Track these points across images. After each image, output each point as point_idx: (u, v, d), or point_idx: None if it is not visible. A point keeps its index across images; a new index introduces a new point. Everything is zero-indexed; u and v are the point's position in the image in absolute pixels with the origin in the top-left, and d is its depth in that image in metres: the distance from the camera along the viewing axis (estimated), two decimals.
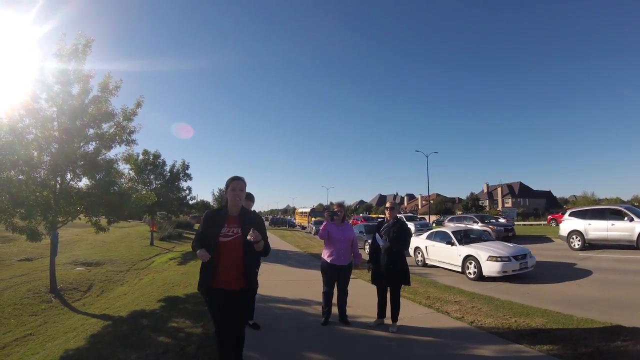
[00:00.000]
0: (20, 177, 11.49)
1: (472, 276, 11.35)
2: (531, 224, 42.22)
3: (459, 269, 12.04)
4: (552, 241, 20.19)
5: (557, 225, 34.78)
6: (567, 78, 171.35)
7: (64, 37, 12.45)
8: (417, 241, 14.78)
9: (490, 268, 10.84)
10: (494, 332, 5.78)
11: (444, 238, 13.26)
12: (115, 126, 13.63)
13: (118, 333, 6.92)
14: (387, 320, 6.21)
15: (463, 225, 23.08)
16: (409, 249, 14.70)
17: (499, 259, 10.79)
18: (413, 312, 7.08)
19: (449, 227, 17.48)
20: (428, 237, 14.44)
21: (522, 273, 10.92)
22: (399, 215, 6.83)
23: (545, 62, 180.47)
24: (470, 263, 11.54)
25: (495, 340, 5.45)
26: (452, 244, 12.65)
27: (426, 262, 14.13)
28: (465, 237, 12.92)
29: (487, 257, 11.01)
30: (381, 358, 4.92)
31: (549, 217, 40.37)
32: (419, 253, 14.65)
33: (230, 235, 3.72)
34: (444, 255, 13.06)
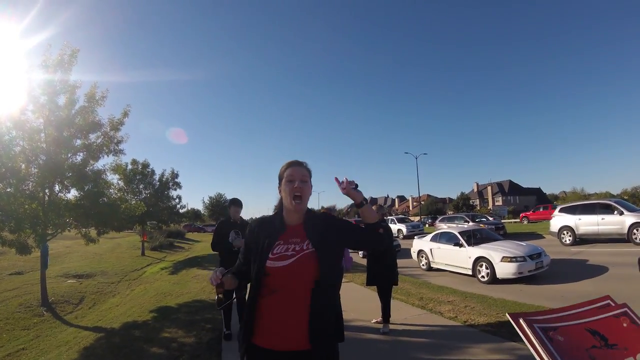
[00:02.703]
0: (8, 189, 11.37)
1: (484, 279, 10.68)
2: (509, 222, 42.52)
3: (469, 272, 11.30)
4: (543, 237, 20.34)
5: (529, 222, 35.51)
6: (555, 76, 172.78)
7: (50, 47, 12.39)
8: (421, 244, 14.14)
9: (505, 270, 10.17)
10: (488, 331, 5.80)
11: (451, 239, 12.48)
12: (102, 136, 13.60)
13: (111, 345, 6.86)
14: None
15: (455, 225, 23.11)
16: (412, 253, 14.52)
17: (514, 259, 10.12)
18: (406, 314, 7.09)
19: (453, 227, 17.11)
20: (432, 239, 13.62)
21: (537, 273, 10.33)
22: (389, 218, 6.89)
23: (533, 61, 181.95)
24: (482, 265, 10.86)
25: (489, 338, 5.46)
26: (461, 245, 11.87)
27: (431, 265, 13.38)
28: (474, 238, 12.10)
29: (501, 257, 10.33)
30: None
31: (521, 214, 41.03)
32: (422, 256, 13.86)
33: (288, 255, 2.11)
34: (452, 257, 12.28)
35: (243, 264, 2.34)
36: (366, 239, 2.42)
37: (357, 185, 2.29)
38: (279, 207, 2.34)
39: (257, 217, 2.40)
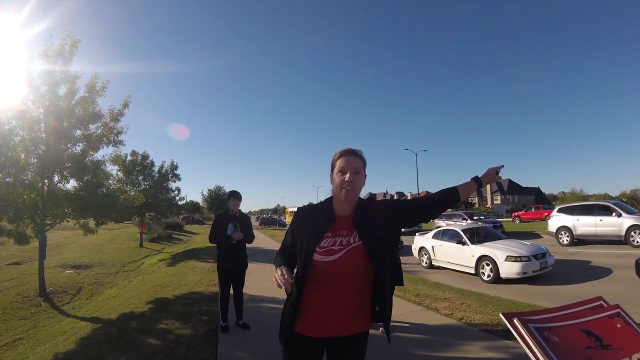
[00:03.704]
0: (8, 179, 11.35)
1: (487, 278, 10.44)
2: (504, 221, 43.03)
3: (472, 271, 11.09)
4: (541, 237, 20.35)
5: (521, 222, 35.89)
6: (557, 75, 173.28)
7: (51, 37, 12.34)
8: (422, 241, 13.85)
9: (509, 269, 9.95)
10: (483, 329, 5.83)
11: (454, 237, 12.18)
12: (102, 127, 13.57)
13: (108, 336, 6.87)
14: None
15: (453, 222, 23.10)
16: (413, 250, 14.26)
17: (519, 259, 9.90)
18: (402, 310, 7.11)
19: (452, 224, 16.85)
20: (434, 237, 13.29)
21: (542, 273, 10.18)
22: None
23: (535, 61, 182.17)
24: (485, 264, 10.63)
25: (484, 336, 5.49)
26: (464, 243, 11.59)
27: (432, 263, 13.11)
28: (477, 236, 11.87)
29: (505, 257, 10.08)
30: (370, 356, 4.91)
31: (514, 214, 41.84)
32: (424, 254, 13.58)
33: (335, 250, 2.09)
34: (454, 255, 12.02)
35: (288, 250, 2.32)
36: (422, 212, 2.36)
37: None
38: (330, 197, 2.28)
39: (305, 204, 2.38)
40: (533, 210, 38.49)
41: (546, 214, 34.00)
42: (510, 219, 41.64)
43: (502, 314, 1.45)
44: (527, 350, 1.35)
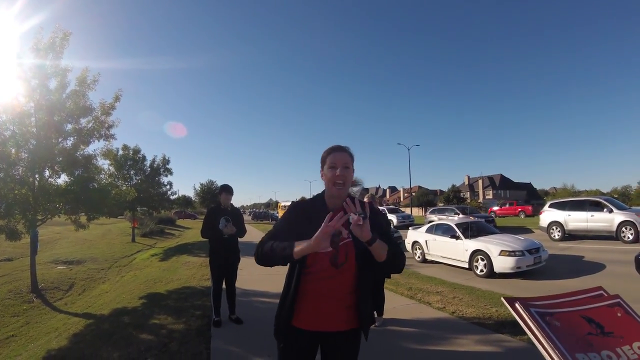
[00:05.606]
0: None
1: (481, 273, 10.34)
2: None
3: (466, 265, 11.01)
4: (533, 232, 20.46)
5: (497, 217, 37.37)
6: (548, 72, 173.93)
7: (42, 30, 12.25)
8: (416, 235, 13.72)
9: (503, 264, 9.87)
10: (476, 322, 5.84)
11: (447, 231, 12.10)
12: (93, 121, 13.49)
13: (100, 331, 6.85)
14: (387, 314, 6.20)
15: (445, 217, 23.13)
16: (407, 244, 14.10)
17: (512, 253, 9.84)
18: (395, 303, 7.13)
19: (452, 219, 16.76)
20: (428, 231, 13.16)
21: (535, 268, 10.13)
22: (381, 208, 6.83)
23: (526, 57, 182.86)
24: (479, 259, 10.53)
25: (476, 330, 5.51)
26: (457, 237, 11.49)
27: (426, 257, 12.98)
28: (470, 230, 11.67)
29: (499, 251, 10.00)
30: (363, 350, 4.91)
31: (490, 209, 43.22)
32: (417, 248, 13.44)
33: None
34: (448, 250, 11.90)
35: (280, 236, 2.22)
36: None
37: (366, 216, 1.95)
38: (322, 191, 2.32)
39: (297, 199, 2.36)
40: (507, 206, 42.57)
41: (519, 209, 39.42)
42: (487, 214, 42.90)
43: (504, 298, 1.46)
44: (529, 333, 1.36)
